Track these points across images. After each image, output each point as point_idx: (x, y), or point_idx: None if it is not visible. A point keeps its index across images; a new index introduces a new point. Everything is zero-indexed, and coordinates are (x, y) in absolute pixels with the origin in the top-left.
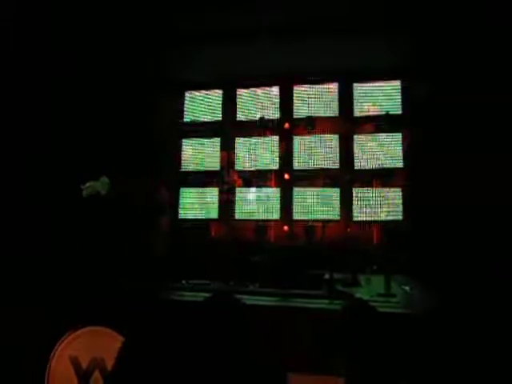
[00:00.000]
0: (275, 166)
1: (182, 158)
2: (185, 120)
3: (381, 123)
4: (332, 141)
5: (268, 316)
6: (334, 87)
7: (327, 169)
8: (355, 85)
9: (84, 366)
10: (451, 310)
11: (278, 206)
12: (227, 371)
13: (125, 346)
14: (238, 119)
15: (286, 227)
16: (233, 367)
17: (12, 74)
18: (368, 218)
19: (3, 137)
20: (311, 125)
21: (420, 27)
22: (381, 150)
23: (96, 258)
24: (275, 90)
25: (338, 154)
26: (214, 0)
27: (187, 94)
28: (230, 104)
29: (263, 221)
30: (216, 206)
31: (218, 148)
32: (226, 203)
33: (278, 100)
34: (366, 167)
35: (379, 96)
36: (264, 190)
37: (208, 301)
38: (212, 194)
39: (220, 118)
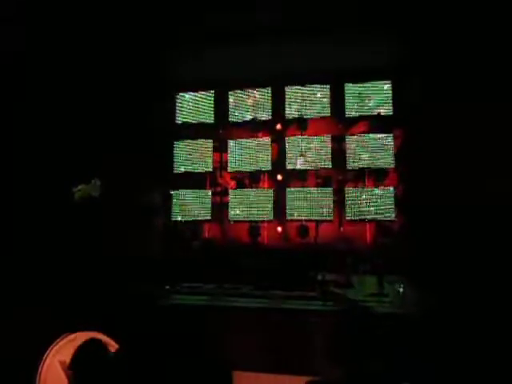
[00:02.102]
0: (268, 167)
1: (175, 160)
2: (177, 121)
3: (372, 123)
4: (324, 141)
5: (260, 317)
6: (325, 88)
7: (320, 169)
8: (347, 85)
9: None
10: (444, 309)
11: (271, 206)
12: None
13: (120, 349)
14: (230, 120)
15: (279, 228)
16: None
17: (10, 72)
18: (361, 218)
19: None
20: (303, 125)
21: (411, 28)
22: (373, 150)
23: (87, 262)
24: (267, 91)
25: (330, 155)
26: (211, 2)
27: (179, 96)
28: (222, 105)
29: (256, 222)
30: (209, 207)
31: (211, 149)
32: (219, 204)
33: (270, 101)
34: (358, 167)
35: (371, 96)
36: (257, 190)
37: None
38: (205, 196)
39: (212, 120)
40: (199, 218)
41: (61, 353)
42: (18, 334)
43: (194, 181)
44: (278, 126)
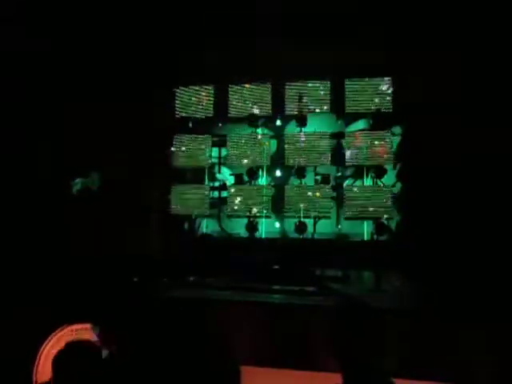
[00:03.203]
0: (267, 163)
1: (174, 154)
2: (176, 116)
3: (372, 120)
4: (323, 137)
5: (257, 312)
6: (325, 84)
7: (319, 165)
8: (347, 81)
9: None
10: (441, 306)
11: (270, 202)
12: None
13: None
14: (229, 115)
15: (277, 224)
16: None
17: (12, 69)
18: (359, 215)
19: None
20: (303, 121)
21: (411, 27)
22: (372, 147)
23: (85, 256)
24: (267, 86)
25: (329, 151)
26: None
27: (179, 90)
28: (221, 100)
29: (254, 217)
30: (207, 202)
31: (210, 144)
32: (218, 200)
33: (270, 97)
34: (357, 164)
35: (371, 93)
36: (255, 186)
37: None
38: (203, 191)
39: (211, 115)
40: (197, 213)
41: (57, 345)
42: (13, 330)
43: (192, 176)
44: (278, 122)
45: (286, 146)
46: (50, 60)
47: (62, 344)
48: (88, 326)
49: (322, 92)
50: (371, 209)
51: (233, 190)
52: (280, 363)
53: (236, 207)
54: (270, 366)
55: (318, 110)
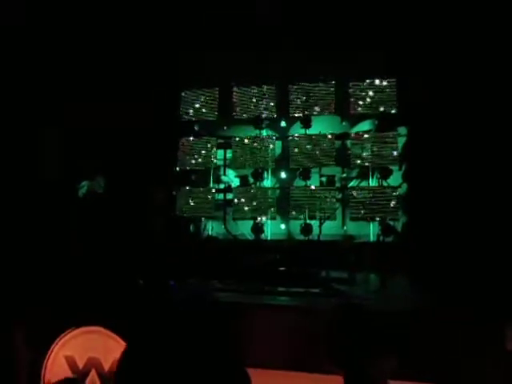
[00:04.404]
0: (272, 165)
1: (178, 157)
2: (182, 119)
3: (378, 121)
4: (328, 139)
5: (262, 314)
6: (330, 86)
7: (323, 167)
8: (351, 84)
9: (80, 366)
10: (445, 308)
11: (275, 204)
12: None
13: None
14: (234, 117)
15: (282, 226)
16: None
17: (19, 72)
18: (364, 216)
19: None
20: (307, 123)
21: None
22: (376, 149)
23: (91, 258)
24: (272, 88)
25: (334, 153)
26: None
27: (184, 93)
28: (226, 102)
29: (259, 219)
30: (212, 205)
31: (215, 147)
32: (223, 202)
33: (275, 98)
34: (362, 165)
35: (375, 94)
36: (260, 188)
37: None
38: (208, 193)
39: (216, 117)
40: (202, 215)
41: (66, 347)
42: (24, 332)
43: (197, 178)
44: (283, 124)
45: (290, 147)
46: (51, 61)
47: (70, 347)
48: (94, 328)
49: (327, 93)
50: (377, 210)
51: (238, 192)
52: (285, 365)
53: (241, 209)
54: (275, 368)
55: (322, 112)
